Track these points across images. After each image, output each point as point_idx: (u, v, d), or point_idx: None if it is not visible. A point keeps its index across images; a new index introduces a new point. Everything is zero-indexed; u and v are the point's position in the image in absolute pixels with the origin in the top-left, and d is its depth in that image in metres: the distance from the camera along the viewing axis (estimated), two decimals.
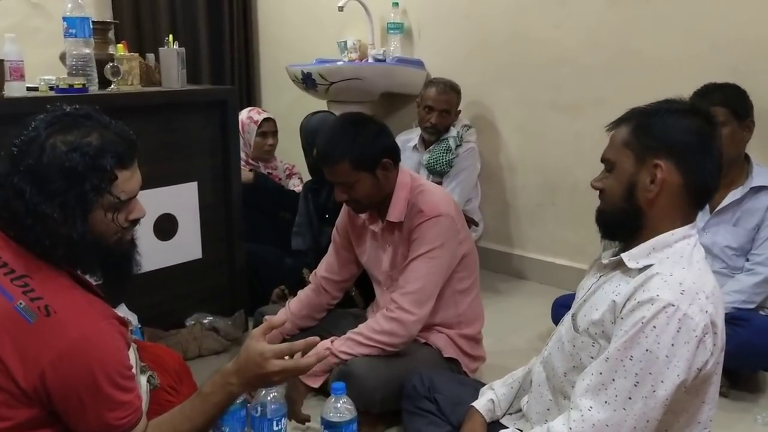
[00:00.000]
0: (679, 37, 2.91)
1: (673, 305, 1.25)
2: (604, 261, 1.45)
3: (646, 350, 1.25)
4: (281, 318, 1.55)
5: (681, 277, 1.29)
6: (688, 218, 1.39)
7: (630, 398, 1.26)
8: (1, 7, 3.58)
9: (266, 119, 3.28)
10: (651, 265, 1.34)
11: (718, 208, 2.46)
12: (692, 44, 2.88)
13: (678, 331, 1.24)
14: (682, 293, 1.26)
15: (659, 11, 2.96)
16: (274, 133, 3.32)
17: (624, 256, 1.38)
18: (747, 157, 2.50)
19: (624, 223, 1.40)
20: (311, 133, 2.79)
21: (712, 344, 1.28)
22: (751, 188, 2.43)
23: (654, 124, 1.37)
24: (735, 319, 2.29)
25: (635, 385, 1.26)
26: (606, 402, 1.28)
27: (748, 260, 2.43)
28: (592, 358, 1.37)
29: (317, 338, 1.49)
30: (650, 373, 1.25)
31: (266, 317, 2.37)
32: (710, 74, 2.57)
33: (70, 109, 1.35)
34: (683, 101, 1.43)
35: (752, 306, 2.39)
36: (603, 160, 1.44)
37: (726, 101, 2.42)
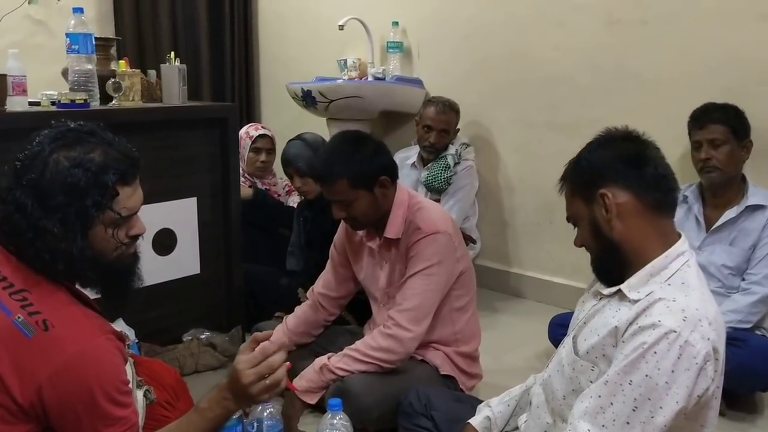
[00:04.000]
0: (675, 58, 2.94)
1: (675, 332, 1.24)
2: (604, 292, 1.45)
3: (646, 376, 1.24)
4: (268, 332, 1.55)
5: (684, 303, 1.28)
6: (668, 235, 1.39)
7: (628, 423, 1.25)
8: (4, 24, 3.61)
9: (261, 135, 3.30)
10: (652, 291, 1.34)
11: (714, 227, 2.48)
12: (688, 65, 2.90)
13: (679, 358, 1.23)
14: (684, 320, 1.25)
15: (656, 33, 2.99)
16: (269, 150, 3.33)
17: (623, 287, 1.37)
18: (743, 177, 2.52)
19: (608, 262, 1.42)
20: (287, 162, 2.81)
21: (713, 371, 1.27)
22: (746, 207, 2.44)
23: (582, 165, 1.43)
24: (732, 339, 2.27)
25: (633, 410, 1.25)
26: (604, 426, 1.27)
27: (744, 280, 2.44)
28: (591, 382, 1.36)
29: (285, 340, 1.49)
30: (649, 399, 1.24)
31: (256, 334, 2.37)
32: (706, 95, 2.60)
33: (75, 125, 1.36)
34: (608, 134, 1.47)
35: (748, 326, 2.39)
36: (568, 220, 1.50)
37: (726, 120, 2.45)
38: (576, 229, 1.48)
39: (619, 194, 1.37)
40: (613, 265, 1.40)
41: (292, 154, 2.76)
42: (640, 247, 1.37)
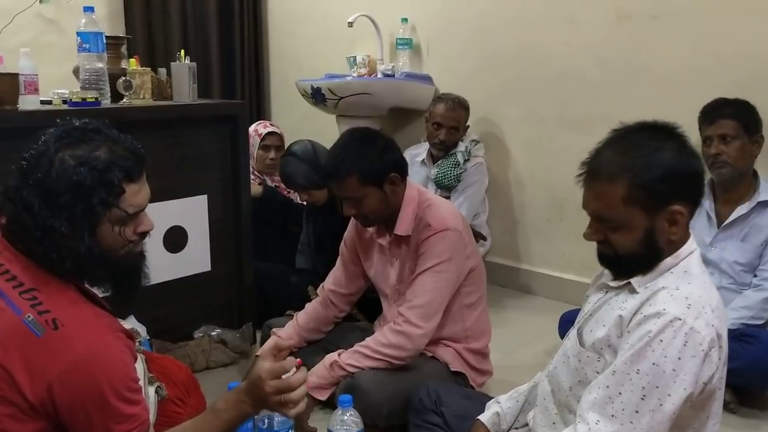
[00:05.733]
0: (686, 53, 2.92)
1: (680, 319, 1.25)
2: (612, 284, 1.44)
3: (653, 364, 1.25)
4: (291, 341, 1.55)
5: (687, 291, 1.30)
6: (687, 233, 1.39)
7: (637, 412, 1.26)
8: (16, 23, 3.63)
9: (270, 133, 3.31)
10: (656, 281, 1.35)
11: (725, 223, 2.47)
12: (699, 60, 2.89)
13: (685, 345, 1.24)
14: (688, 307, 1.27)
15: (666, 28, 2.97)
16: (278, 147, 3.33)
17: (634, 282, 1.37)
18: (755, 173, 2.50)
19: (643, 264, 1.37)
20: (286, 182, 2.83)
21: (717, 358, 1.28)
22: (758, 203, 2.43)
23: (651, 174, 1.31)
24: (743, 335, 2.29)
25: (642, 399, 1.26)
26: (613, 416, 1.28)
27: (755, 276, 2.43)
28: (597, 373, 1.37)
29: (297, 360, 1.47)
30: (657, 387, 1.25)
31: (273, 330, 2.39)
32: (717, 90, 2.59)
33: (80, 123, 1.36)
34: (640, 126, 1.38)
35: (760, 322, 2.38)
36: (597, 218, 1.38)
37: (736, 115, 2.43)
38: (598, 223, 1.38)
39: (685, 208, 1.33)
40: (644, 267, 1.37)
41: (287, 173, 2.76)
42: (674, 250, 1.37)
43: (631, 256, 1.37)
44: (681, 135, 1.37)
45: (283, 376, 1.36)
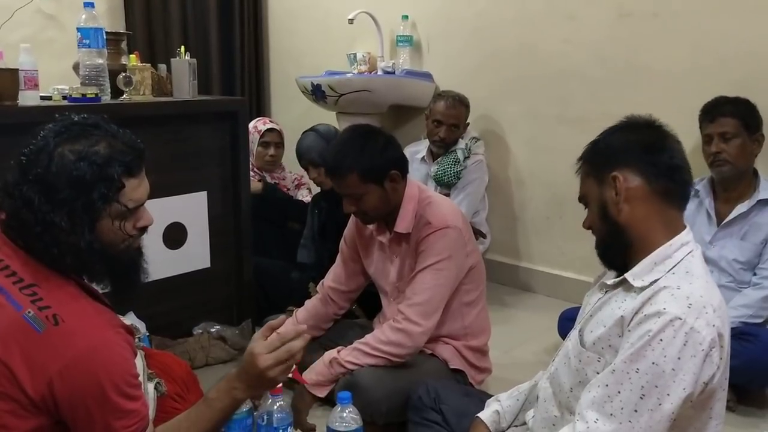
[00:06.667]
0: (687, 52, 2.92)
1: (680, 319, 1.25)
2: (609, 282, 1.45)
3: (653, 363, 1.24)
4: (281, 319, 1.54)
5: (688, 290, 1.29)
6: (674, 225, 1.39)
7: (636, 411, 1.26)
8: (16, 19, 3.62)
9: (269, 129, 3.31)
10: (657, 280, 1.34)
11: (725, 222, 2.47)
12: (700, 59, 2.88)
13: (684, 345, 1.24)
14: (689, 307, 1.26)
15: (667, 26, 2.97)
16: (278, 144, 3.34)
17: (628, 276, 1.38)
18: (755, 171, 2.51)
19: (612, 244, 1.41)
20: (301, 154, 2.83)
21: (718, 358, 1.28)
22: (758, 201, 2.43)
23: (599, 146, 1.44)
24: (743, 334, 2.29)
25: (641, 398, 1.25)
26: (612, 414, 1.28)
27: (755, 274, 2.43)
28: (597, 373, 1.36)
29: (305, 326, 1.50)
30: (656, 386, 1.24)
31: None
32: (717, 89, 2.59)
33: (79, 119, 1.36)
34: (631, 120, 1.47)
35: (760, 321, 2.38)
36: (580, 200, 1.49)
37: (737, 113, 2.44)
38: (586, 210, 1.47)
39: (630, 178, 1.37)
40: (617, 249, 1.40)
41: (305, 146, 2.78)
42: (645, 233, 1.37)
43: (602, 239, 1.44)
44: (660, 127, 1.45)
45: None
